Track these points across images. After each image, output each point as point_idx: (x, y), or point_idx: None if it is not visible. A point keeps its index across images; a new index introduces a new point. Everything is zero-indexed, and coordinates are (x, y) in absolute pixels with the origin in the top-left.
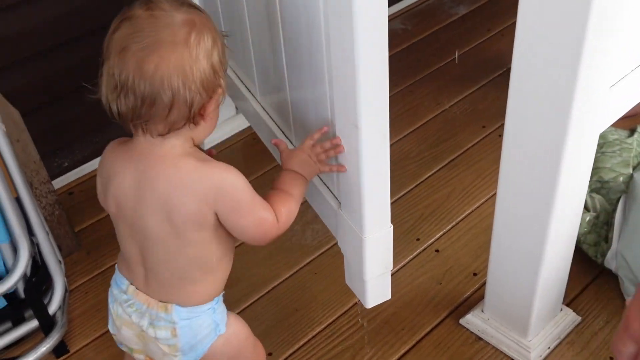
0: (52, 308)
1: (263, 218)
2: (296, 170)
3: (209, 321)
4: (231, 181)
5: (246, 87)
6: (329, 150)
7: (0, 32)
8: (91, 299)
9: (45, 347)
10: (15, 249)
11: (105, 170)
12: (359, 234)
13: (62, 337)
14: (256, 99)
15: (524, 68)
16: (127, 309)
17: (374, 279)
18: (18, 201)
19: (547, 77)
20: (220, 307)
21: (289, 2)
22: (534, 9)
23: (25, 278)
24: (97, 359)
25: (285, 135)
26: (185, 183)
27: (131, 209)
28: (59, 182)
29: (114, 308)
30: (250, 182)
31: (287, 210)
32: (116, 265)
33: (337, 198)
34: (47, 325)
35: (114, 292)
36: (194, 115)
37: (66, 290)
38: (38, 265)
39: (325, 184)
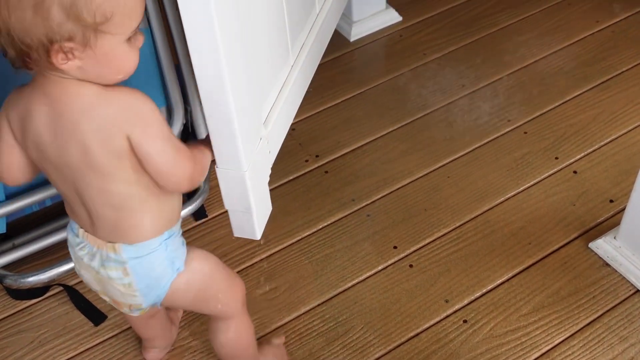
0: None
1: (182, 150)
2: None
3: (161, 258)
4: (142, 101)
5: None
6: None
7: None
8: None
9: (187, 209)
10: (170, 115)
11: (16, 113)
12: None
13: (202, 202)
14: None
15: None
16: (80, 252)
17: (234, 212)
18: (177, 69)
19: None
20: (175, 243)
21: None
22: None
23: None
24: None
25: None
26: (87, 109)
27: (50, 147)
28: None
29: (72, 252)
30: (388, 80)
31: (203, 162)
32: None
33: None
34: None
35: (69, 236)
36: (32, 57)
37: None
38: (188, 132)
39: None
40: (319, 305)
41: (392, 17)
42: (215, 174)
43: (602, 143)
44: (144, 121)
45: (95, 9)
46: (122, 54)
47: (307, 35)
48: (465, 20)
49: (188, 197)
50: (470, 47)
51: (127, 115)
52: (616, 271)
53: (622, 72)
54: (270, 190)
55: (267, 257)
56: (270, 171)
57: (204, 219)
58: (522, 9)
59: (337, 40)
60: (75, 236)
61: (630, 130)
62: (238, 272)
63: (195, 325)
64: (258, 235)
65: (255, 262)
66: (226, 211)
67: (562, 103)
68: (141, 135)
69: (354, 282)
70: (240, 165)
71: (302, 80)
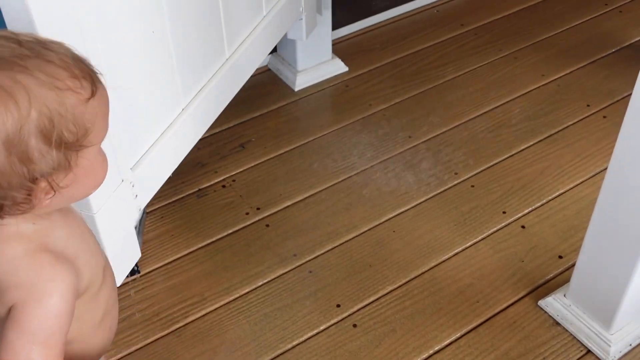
0: None
1: None
2: None
3: None
4: (49, 290)
5: None
6: None
7: None
8: (167, 224)
9: None
10: None
11: None
12: None
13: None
14: None
15: None
16: None
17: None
18: None
19: None
20: None
21: None
22: None
23: None
24: (165, 283)
25: None
26: None
27: None
28: None
29: None
30: (333, 131)
31: None
32: None
33: None
34: None
35: None
36: (4, 206)
37: (144, 212)
38: None
39: None
40: None
41: (338, 67)
42: (148, 226)
43: (550, 197)
44: (27, 307)
45: (75, 124)
46: (99, 164)
47: (208, 80)
48: (411, 72)
49: None
50: (416, 98)
51: (20, 292)
52: (567, 330)
53: (568, 125)
54: (209, 244)
55: (202, 316)
56: (138, 216)
57: (135, 275)
58: (468, 62)
59: (282, 89)
60: None
61: (577, 185)
62: (170, 332)
63: None
64: (116, 282)
65: (190, 322)
66: (160, 267)
67: (509, 156)
68: (14, 313)
69: (295, 343)
70: (89, 206)
71: (194, 126)
